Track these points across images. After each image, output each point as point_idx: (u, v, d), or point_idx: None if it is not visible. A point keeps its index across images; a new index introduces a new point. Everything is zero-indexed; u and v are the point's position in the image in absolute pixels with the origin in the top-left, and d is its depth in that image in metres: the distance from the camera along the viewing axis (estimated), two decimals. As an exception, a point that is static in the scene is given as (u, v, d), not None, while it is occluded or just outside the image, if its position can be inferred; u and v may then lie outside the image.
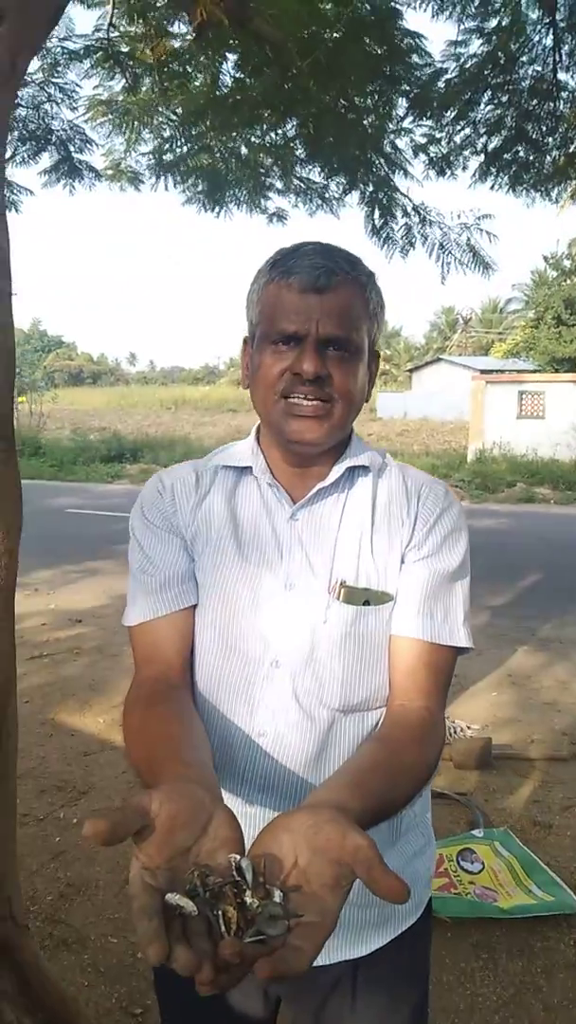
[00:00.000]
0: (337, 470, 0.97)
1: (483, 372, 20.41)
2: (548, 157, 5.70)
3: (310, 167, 5.65)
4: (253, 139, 5.32)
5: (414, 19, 4.43)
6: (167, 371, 58.46)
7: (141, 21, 3.86)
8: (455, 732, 3.35)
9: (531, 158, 5.74)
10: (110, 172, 6.17)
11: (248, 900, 0.58)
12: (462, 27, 4.46)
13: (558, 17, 4.69)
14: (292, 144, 5.29)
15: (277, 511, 0.98)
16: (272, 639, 0.93)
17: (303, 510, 0.97)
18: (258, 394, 0.96)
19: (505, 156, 5.49)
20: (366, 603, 0.93)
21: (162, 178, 6.15)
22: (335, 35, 3.68)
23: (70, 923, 2.22)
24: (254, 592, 0.95)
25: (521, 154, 5.57)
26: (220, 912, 0.58)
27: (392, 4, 3.87)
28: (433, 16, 4.35)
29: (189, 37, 3.94)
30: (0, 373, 1.40)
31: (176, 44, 4.31)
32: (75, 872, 2.45)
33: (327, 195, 6.05)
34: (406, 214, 5.55)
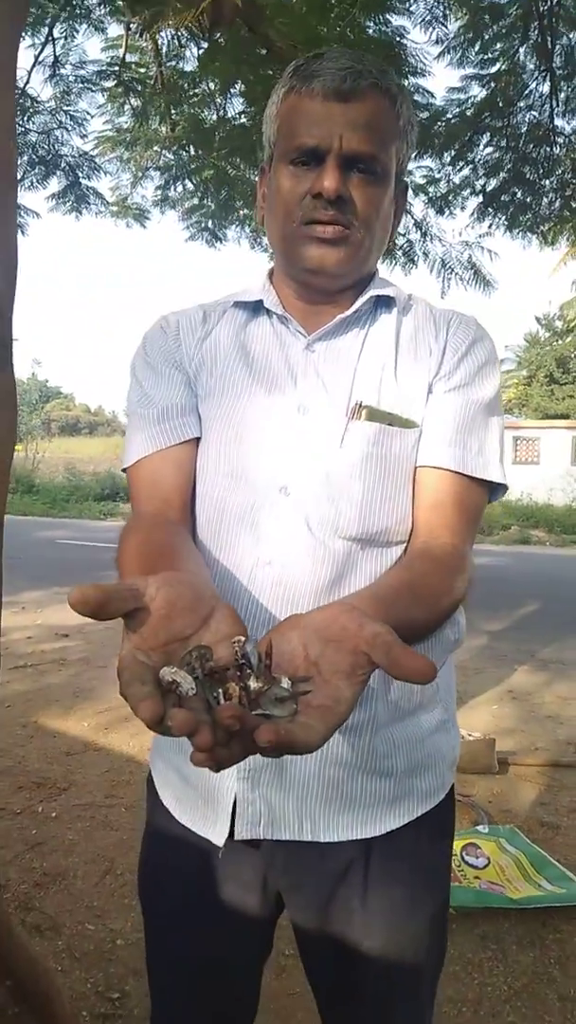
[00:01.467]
0: (361, 299, 0.88)
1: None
2: (544, 199, 5.91)
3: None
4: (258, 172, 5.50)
5: (417, 61, 4.67)
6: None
7: (151, 40, 3.99)
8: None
9: (528, 200, 5.95)
10: (115, 208, 6.34)
11: (252, 684, 0.53)
12: (463, 72, 4.63)
13: (555, 64, 4.91)
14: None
15: (291, 343, 0.90)
16: (281, 464, 0.85)
17: (321, 342, 0.89)
18: (274, 222, 0.87)
19: (503, 197, 5.68)
20: (390, 424, 0.85)
21: (166, 213, 6.30)
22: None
23: (44, 911, 2.05)
24: (262, 416, 0.87)
25: (519, 195, 5.77)
26: (221, 691, 0.52)
27: (397, 38, 4.03)
28: (436, 59, 4.54)
29: (199, 54, 4.08)
30: None
31: (186, 68, 4.47)
32: (51, 863, 2.28)
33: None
34: (408, 254, 5.70)
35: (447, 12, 3.94)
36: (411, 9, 3.89)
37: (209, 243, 6.55)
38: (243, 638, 0.55)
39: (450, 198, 5.62)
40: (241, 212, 6.11)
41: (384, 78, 0.82)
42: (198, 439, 0.90)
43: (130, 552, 0.76)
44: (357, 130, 0.81)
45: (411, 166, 5.17)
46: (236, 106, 4.71)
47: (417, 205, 5.47)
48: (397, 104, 0.84)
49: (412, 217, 5.38)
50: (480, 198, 5.62)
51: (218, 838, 0.86)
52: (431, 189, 5.56)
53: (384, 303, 0.92)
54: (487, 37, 4.45)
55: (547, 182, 5.75)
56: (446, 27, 4.02)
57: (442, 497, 0.85)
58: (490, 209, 5.67)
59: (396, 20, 3.81)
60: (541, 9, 4.21)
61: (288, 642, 0.57)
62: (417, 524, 0.86)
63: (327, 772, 0.85)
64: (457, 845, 2.28)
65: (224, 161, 5.05)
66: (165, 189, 5.97)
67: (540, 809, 2.70)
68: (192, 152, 5.20)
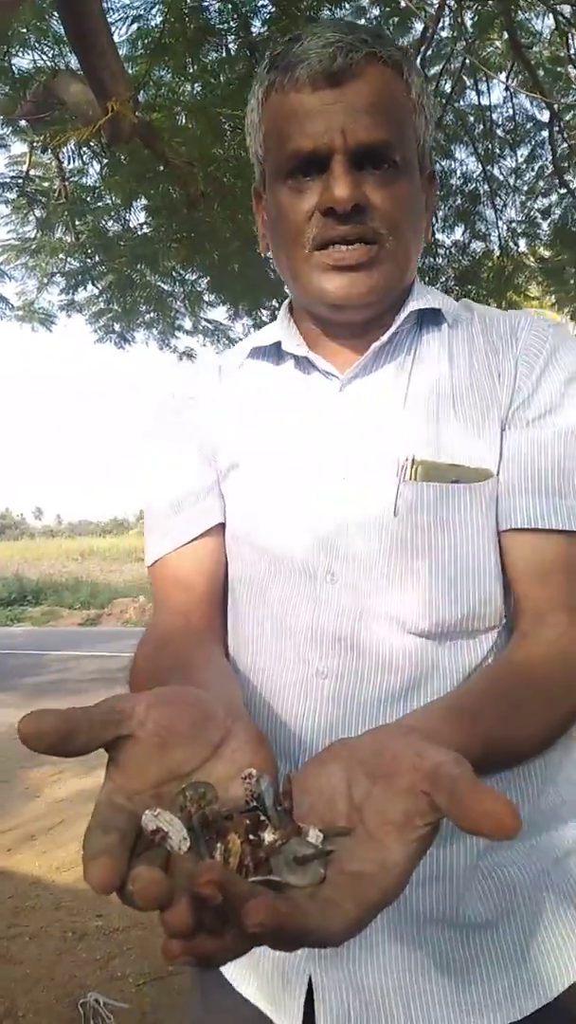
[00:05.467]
0: (399, 319, 0.71)
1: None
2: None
3: (216, 307, 6.07)
4: (162, 279, 5.72)
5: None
6: (74, 524, 57.90)
7: (54, 156, 4.16)
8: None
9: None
10: (20, 312, 6.41)
11: (266, 837, 0.39)
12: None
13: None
14: (198, 283, 5.71)
15: (321, 389, 0.73)
16: (321, 545, 0.68)
17: (356, 381, 0.71)
18: (281, 253, 0.71)
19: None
20: (455, 482, 0.66)
21: (72, 316, 6.41)
22: (237, 181, 4.07)
23: None
24: (295, 490, 0.71)
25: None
26: (222, 847, 0.38)
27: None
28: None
29: (102, 173, 4.28)
30: None
31: (88, 182, 4.66)
32: None
33: (232, 335, 6.48)
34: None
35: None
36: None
37: (118, 345, 6.69)
38: (255, 772, 0.42)
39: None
40: (147, 316, 6.31)
41: (382, 45, 0.65)
42: (223, 524, 0.76)
43: (138, 669, 0.66)
44: (362, 116, 0.64)
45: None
46: (139, 216, 4.93)
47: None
48: (405, 72, 0.67)
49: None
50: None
51: None
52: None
53: (430, 318, 0.74)
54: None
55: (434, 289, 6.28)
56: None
57: (548, 566, 0.65)
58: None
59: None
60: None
61: (329, 777, 0.43)
62: (519, 605, 0.67)
63: (426, 933, 0.65)
64: None
65: (128, 268, 5.24)
66: (70, 294, 6.10)
67: None
68: (96, 259, 5.37)
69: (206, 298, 6.13)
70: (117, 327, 6.38)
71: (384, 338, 0.70)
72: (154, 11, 3.39)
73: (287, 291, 0.78)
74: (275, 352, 0.77)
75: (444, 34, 4.12)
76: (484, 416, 0.69)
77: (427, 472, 0.66)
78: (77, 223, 5.00)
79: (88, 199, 4.70)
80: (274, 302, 5.76)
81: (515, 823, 0.35)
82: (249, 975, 0.71)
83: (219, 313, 6.38)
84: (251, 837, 0.39)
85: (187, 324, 6.56)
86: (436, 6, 3.52)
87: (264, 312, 5.90)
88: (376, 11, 3.90)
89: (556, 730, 0.61)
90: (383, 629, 0.66)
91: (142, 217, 4.79)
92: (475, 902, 0.66)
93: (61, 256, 5.61)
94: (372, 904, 0.37)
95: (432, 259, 5.80)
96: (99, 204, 4.78)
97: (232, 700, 0.53)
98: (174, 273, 5.56)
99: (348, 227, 0.65)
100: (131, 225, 4.90)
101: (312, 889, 0.37)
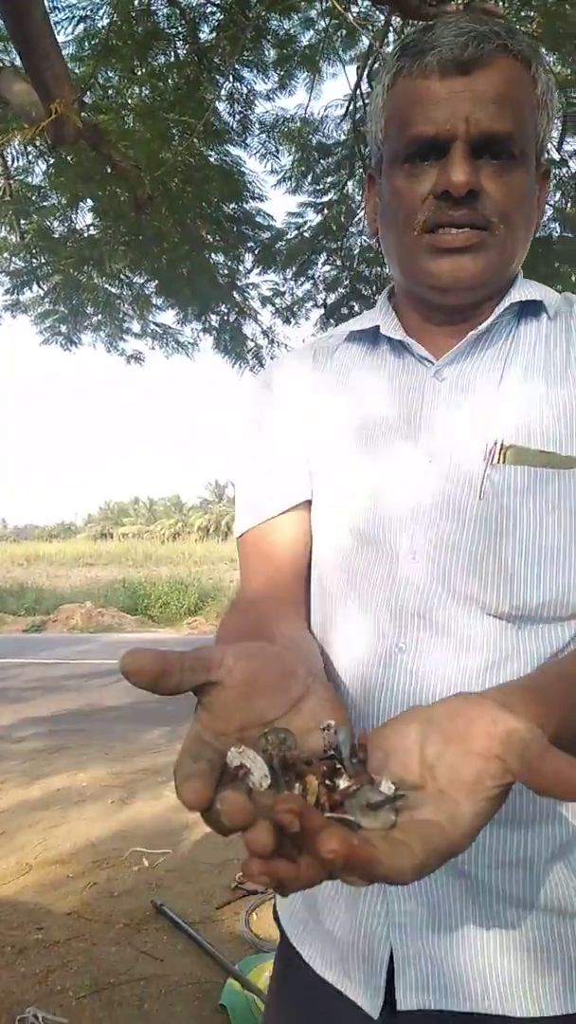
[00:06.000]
0: (499, 309, 0.72)
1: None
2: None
3: (164, 311, 6.04)
4: (110, 281, 5.66)
5: (255, 187, 5.11)
6: (20, 529, 56.61)
7: None
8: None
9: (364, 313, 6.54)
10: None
11: (341, 783, 0.42)
12: (299, 199, 5.09)
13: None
14: (146, 286, 5.67)
15: (416, 373, 0.74)
16: (407, 526, 0.70)
17: (451, 366, 0.73)
18: (390, 234, 0.73)
19: (343, 310, 6.18)
20: (545, 467, 0.68)
21: (17, 317, 6.29)
22: (185, 186, 4.06)
23: None
24: (383, 468, 0.73)
25: (356, 308, 6.29)
26: (300, 786, 0.41)
27: (237, 166, 4.36)
28: (274, 186, 4.98)
29: (48, 174, 4.21)
30: None
31: (34, 181, 4.59)
32: None
33: (182, 339, 6.45)
34: (257, 356, 6.03)
35: (279, 147, 4.33)
36: (247, 142, 4.26)
37: (64, 347, 6.59)
38: (333, 724, 0.45)
39: (295, 309, 6.06)
40: (94, 319, 6.23)
41: (514, 39, 0.68)
42: (310, 501, 0.78)
43: (222, 634, 0.67)
44: (487, 106, 0.65)
45: (258, 279, 5.48)
46: (86, 218, 4.87)
47: (265, 315, 5.82)
48: (533, 68, 0.69)
49: (260, 325, 5.69)
50: (322, 310, 6.10)
51: (371, 1006, 0.68)
52: (277, 301, 5.98)
53: (531, 310, 0.75)
54: (318, 171, 4.96)
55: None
56: (279, 159, 4.42)
57: None
58: (331, 320, 6.14)
59: (234, 151, 4.16)
60: (363, 151, 4.74)
61: (404, 738, 0.46)
62: None
63: (505, 914, 0.67)
64: None
65: (74, 269, 5.16)
66: (15, 294, 5.99)
67: None
68: (42, 260, 5.28)
69: (155, 301, 6.09)
70: (64, 329, 6.28)
71: (483, 327, 0.71)
72: (101, 12, 3.36)
73: (390, 275, 0.79)
74: (372, 337, 0.79)
75: (389, 49, 4.20)
76: None
77: (516, 456, 0.67)
78: (22, 222, 4.91)
79: (34, 198, 4.63)
80: (223, 307, 5.77)
81: None
82: (326, 951, 0.73)
83: (168, 317, 6.38)
84: (327, 782, 0.41)
85: (135, 327, 6.51)
86: (382, 23, 3.59)
87: (214, 317, 5.90)
88: (323, 23, 3.94)
89: None
90: (462, 609, 0.68)
91: (89, 219, 4.73)
92: (557, 889, 0.68)
93: (6, 255, 5.50)
94: (439, 851, 0.39)
95: (379, 268, 5.90)
96: (44, 204, 4.70)
97: (313, 663, 0.55)
98: (122, 276, 5.51)
99: (461, 212, 0.67)
100: (77, 227, 4.83)
101: (383, 832, 0.39)
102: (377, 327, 0.77)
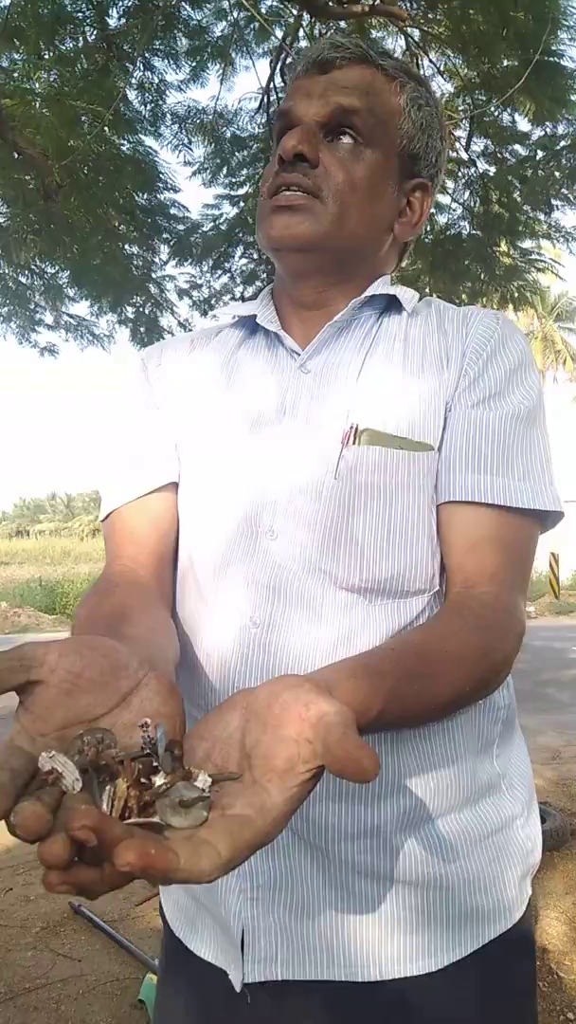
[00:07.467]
0: (353, 302, 0.76)
1: None
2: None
3: (78, 302, 5.90)
4: (19, 271, 5.48)
5: (168, 178, 5.02)
6: None
7: None
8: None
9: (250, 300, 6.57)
10: None
11: (157, 781, 0.41)
12: (215, 191, 5.05)
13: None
14: (58, 276, 5.52)
15: (284, 365, 0.78)
16: (265, 503, 0.72)
17: (315, 359, 0.77)
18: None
19: (260, 303, 6.21)
20: (399, 449, 0.71)
21: None
22: (96, 175, 3.96)
23: None
24: (245, 454, 0.75)
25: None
26: (109, 789, 0.40)
27: (151, 156, 4.30)
28: (189, 178, 4.93)
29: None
30: None
31: None
32: None
33: (97, 331, 6.31)
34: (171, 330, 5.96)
35: (191, 139, 4.29)
36: (160, 132, 4.20)
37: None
38: (150, 721, 0.44)
39: (212, 302, 6.01)
40: (3, 310, 6.02)
41: (379, 55, 0.75)
42: (177, 484, 0.79)
43: (80, 621, 0.65)
44: (337, 89, 0.73)
45: (174, 271, 5.40)
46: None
47: (183, 308, 5.76)
48: (396, 81, 0.76)
49: (177, 318, 5.63)
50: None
51: (234, 978, 0.70)
52: (195, 293, 5.92)
53: (393, 308, 0.79)
54: (233, 163, 4.94)
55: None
56: (192, 152, 4.38)
57: (479, 537, 0.69)
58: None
59: (147, 140, 4.10)
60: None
61: (227, 726, 0.46)
62: (451, 575, 0.71)
63: (356, 886, 0.70)
64: None
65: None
66: None
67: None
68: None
69: (68, 292, 5.93)
70: (-29, 318, 6.05)
71: (337, 318, 0.76)
72: (3, -9, 3.24)
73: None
74: (251, 324, 0.82)
75: (304, 43, 4.22)
76: (432, 396, 0.73)
77: (370, 439, 0.71)
78: None
79: None
80: (138, 297, 5.68)
81: (373, 768, 0.39)
82: (197, 930, 0.76)
83: (82, 308, 6.20)
84: (142, 781, 0.41)
85: (48, 319, 6.32)
86: (293, 19, 3.61)
87: (129, 308, 5.80)
88: (235, 15, 3.93)
89: (469, 693, 0.63)
90: (316, 583, 0.70)
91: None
92: (407, 861, 0.70)
93: None
94: (246, 845, 0.39)
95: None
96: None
97: (155, 652, 0.55)
98: (32, 266, 5.34)
99: (293, 175, 0.72)
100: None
101: (191, 831, 0.39)
102: (254, 316, 0.80)
